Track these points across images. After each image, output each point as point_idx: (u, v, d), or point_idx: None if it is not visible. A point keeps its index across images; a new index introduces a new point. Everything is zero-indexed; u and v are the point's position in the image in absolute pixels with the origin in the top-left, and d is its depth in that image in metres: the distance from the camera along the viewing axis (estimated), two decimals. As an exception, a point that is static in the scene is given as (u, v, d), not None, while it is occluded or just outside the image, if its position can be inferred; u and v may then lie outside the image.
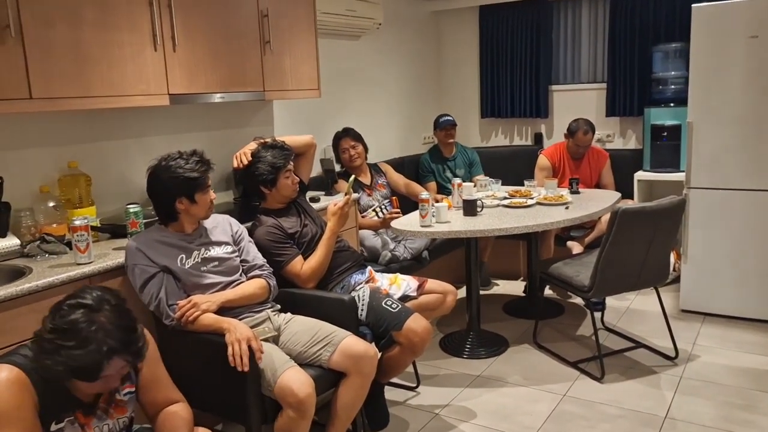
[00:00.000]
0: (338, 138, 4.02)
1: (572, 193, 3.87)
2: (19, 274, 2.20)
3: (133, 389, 1.76)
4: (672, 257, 4.10)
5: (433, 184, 4.57)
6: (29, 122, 2.63)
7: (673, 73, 4.34)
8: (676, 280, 4.08)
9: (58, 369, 1.47)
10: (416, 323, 2.61)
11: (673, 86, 4.34)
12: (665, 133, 4.28)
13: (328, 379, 2.33)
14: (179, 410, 1.82)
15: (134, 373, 1.75)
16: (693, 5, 3.62)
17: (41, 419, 1.55)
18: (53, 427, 1.57)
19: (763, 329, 3.60)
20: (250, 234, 2.69)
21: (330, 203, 2.80)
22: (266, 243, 2.64)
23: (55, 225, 2.58)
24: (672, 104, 4.30)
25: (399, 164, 4.58)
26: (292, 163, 2.78)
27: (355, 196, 3.45)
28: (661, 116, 4.30)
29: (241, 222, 2.62)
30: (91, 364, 1.48)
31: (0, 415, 1.46)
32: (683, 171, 3.84)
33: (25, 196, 2.60)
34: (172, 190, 2.27)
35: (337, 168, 3.98)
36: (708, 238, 3.75)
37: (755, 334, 3.55)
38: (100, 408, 1.67)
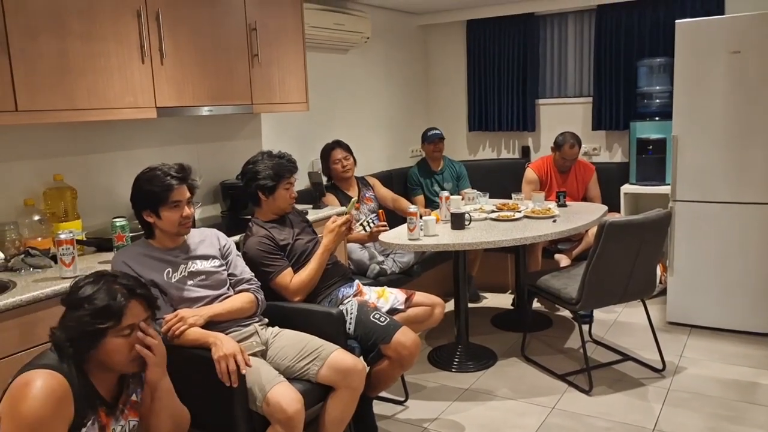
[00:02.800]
0: (330, 149, 4.01)
1: (559, 206, 3.89)
2: (2, 288, 2.18)
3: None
4: (658, 270, 4.14)
5: (421, 198, 4.58)
6: (14, 134, 2.61)
7: (657, 87, 4.40)
8: (663, 292, 4.11)
9: (85, 319, 1.56)
10: (405, 336, 2.60)
11: (657, 100, 4.40)
12: (651, 147, 4.33)
13: (316, 393, 2.31)
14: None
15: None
16: (677, 21, 3.67)
17: (74, 424, 1.55)
18: (82, 431, 1.58)
19: (748, 341, 3.62)
20: (242, 244, 2.68)
21: (330, 219, 2.80)
22: (257, 253, 2.63)
23: (39, 239, 2.55)
24: (657, 118, 4.35)
25: (387, 177, 4.59)
26: (295, 177, 2.80)
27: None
28: (647, 130, 4.35)
29: (229, 235, 2.60)
30: (113, 303, 1.59)
31: (33, 424, 1.46)
32: (669, 184, 3.88)
33: (10, 209, 2.57)
34: (138, 201, 2.26)
35: (324, 181, 3.97)
36: (694, 250, 3.78)
37: (741, 345, 3.57)
38: (119, 409, 1.69)
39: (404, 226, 3.30)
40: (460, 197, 3.85)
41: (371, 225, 3.92)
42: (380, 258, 3.75)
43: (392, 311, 2.87)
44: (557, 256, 4.19)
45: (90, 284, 1.63)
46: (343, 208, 3.64)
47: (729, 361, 3.39)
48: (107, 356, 1.61)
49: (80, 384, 1.57)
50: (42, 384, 1.48)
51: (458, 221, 3.38)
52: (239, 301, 2.38)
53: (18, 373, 1.55)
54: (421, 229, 3.23)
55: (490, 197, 4.13)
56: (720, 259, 3.72)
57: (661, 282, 4.18)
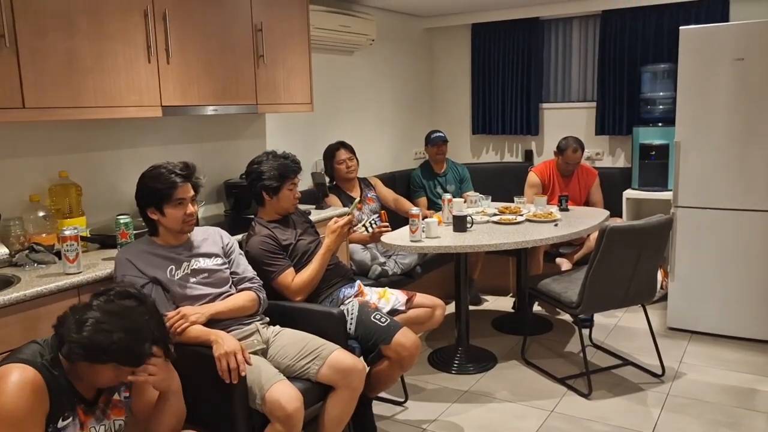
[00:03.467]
0: (334, 149, 4.03)
1: (561, 210, 3.90)
2: (6, 283, 2.19)
3: (128, 394, 1.79)
4: (660, 275, 4.15)
5: (423, 200, 4.59)
6: (20, 131, 2.64)
7: (661, 93, 4.41)
8: (664, 298, 4.11)
9: (107, 348, 1.54)
10: (405, 337, 2.61)
11: (661, 106, 4.41)
12: (653, 152, 4.34)
13: (316, 392, 2.33)
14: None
15: None
16: (681, 27, 3.68)
17: (50, 416, 1.56)
18: (60, 423, 1.59)
19: (748, 347, 3.63)
20: (244, 243, 2.70)
21: (332, 220, 2.82)
22: (259, 252, 2.65)
23: (44, 235, 2.58)
24: (660, 124, 4.36)
25: (390, 179, 4.61)
26: (299, 177, 2.82)
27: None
28: (650, 135, 4.36)
29: (231, 234, 2.62)
30: (140, 352, 1.59)
31: (10, 419, 1.47)
32: (671, 190, 3.89)
33: (15, 205, 2.60)
34: (143, 198, 2.28)
35: (326, 181, 3.98)
36: (695, 256, 3.79)
37: (740, 352, 3.58)
38: (99, 408, 1.70)
39: (406, 228, 3.32)
40: (463, 200, 3.87)
41: (373, 226, 3.94)
42: (382, 259, 3.76)
43: (393, 312, 2.88)
44: (558, 260, 4.20)
45: (127, 316, 1.59)
46: (346, 209, 3.65)
47: (729, 367, 3.40)
48: (92, 374, 1.61)
49: (56, 379, 1.58)
50: (16, 378, 1.50)
51: (460, 224, 3.39)
52: (241, 299, 2.40)
53: None
54: (423, 231, 3.25)
55: (493, 200, 4.14)
56: (721, 265, 3.72)
57: (662, 287, 4.19)
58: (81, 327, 1.55)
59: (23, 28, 2.26)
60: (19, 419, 1.47)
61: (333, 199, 3.85)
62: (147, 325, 1.62)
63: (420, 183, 4.66)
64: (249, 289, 2.45)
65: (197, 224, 2.45)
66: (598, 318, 4.09)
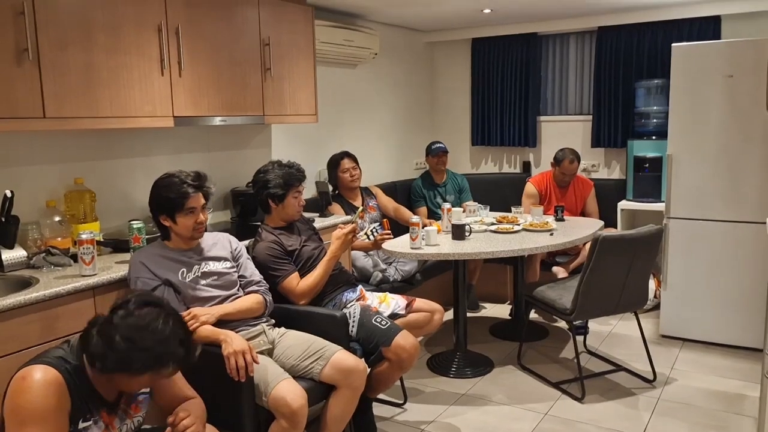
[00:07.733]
0: (338, 159, 4.12)
1: (557, 220, 4.00)
2: (26, 284, 2.30)
3: (148, 390, 1.87)
4: (653, 284, 4.25)
5: (423, 209, 4.70)
6: (39, 140, 2.76)
7: (654, 107, 4.53)
8: (657, 306, 4.21)
9: (147, 363, 1.62)
10: (405, 340, 2.72)
11: (654, 120, 4.53)
12: (647, 165, 4.45)
13: (319, 391, 2.43)
14: (193, 403, 1.93)
15: None
16: (673, 44, 3.81)
17: (71, 417, 1.64)
18: (80, 424, 1.67)
19: (737, 355, 3.73)
20: (251, 248, 2.81)
21: (338, 227, 2.94)
22: (266, 258, 2.76)
23: (59, 239, 2.68)
24: (654, 137, 4.48)
25: (391, 189, 4.72)
26: (303, 185, 2.94)
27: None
28: (644, 148, 4.48)
29: (238, 240, 2.73)
30: (173, 356, 1.65)
31: (36, 414, 1.56)
32: (664, 201, 3.99)
33: (32, 210, 2.71)
34: (155, 206, 2.40)
35: (329, 190, 4.08)
36: (687, 266, 3.89)
37: (730, 359, 3.68)
38: (121, 408, 1.78)
39: (407, 236, 3.43)
40: (462, 209, 3.97)
41: (375, 234, 4.03)
42: (383, 266, 3.86)
43: (393, 316, 2.98)
44: (555, 268, 4.30)
45: (163, 321, 1.65)
46: (349, 217, 3.76)
47: (719, 373, 3.49)
48: (127, 383, 1.69)
49: (78, 384, 1.65)
50: (40, 376, 1.59)
51: (459, 232, 3.50)
52: (249, 301, 2.51)
53: (17, 370, 1.65)
54: (423, 239, 3.35)
55: (492, 210, 4.24)
56: (712, 275, 3.83)
57: (655, 296, 4.29)
58: (111, 345, 1.59)
59: (45, 43, 2.39)
60: (45, 414, 1.57)
61: (336, 207, 3.96)
62: (172, 328, 1.66)
63: (420, 193, 4.77)
64: (256, 291, 2.56)
65: (206, 231, 2.56)
66: (593, 325, 4.19)
